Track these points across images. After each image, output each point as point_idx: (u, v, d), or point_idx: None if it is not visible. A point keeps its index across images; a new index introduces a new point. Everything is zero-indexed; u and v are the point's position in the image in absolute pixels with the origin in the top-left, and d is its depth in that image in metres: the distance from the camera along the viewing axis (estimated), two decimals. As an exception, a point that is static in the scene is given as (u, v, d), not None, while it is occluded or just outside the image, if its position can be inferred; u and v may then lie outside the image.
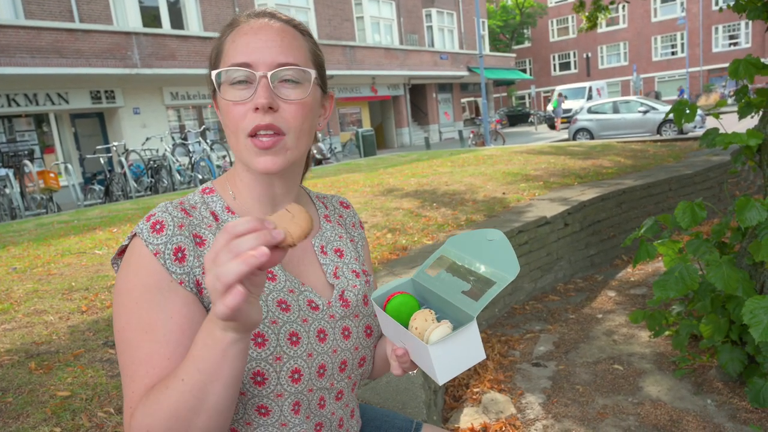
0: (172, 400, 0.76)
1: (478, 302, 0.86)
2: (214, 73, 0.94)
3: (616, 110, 18.77)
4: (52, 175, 11.05)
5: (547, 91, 47.37)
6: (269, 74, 0.91)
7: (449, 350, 0.82)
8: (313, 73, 0.96)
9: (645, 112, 17.97)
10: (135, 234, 0.89)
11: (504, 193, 6.03)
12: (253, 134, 0.92)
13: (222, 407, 0.78)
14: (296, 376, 0.94)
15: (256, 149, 0.92)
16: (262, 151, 0.92)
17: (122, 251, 0.93)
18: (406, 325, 0.89)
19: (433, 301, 0.96)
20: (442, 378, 0.83)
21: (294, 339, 0.94)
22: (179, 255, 0.87)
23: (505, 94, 49.47)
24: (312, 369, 0.96)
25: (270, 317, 0.92)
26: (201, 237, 0.92)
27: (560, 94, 30.15)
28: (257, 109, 0.90)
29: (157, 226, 0.87)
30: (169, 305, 0.85)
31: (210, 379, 0.75)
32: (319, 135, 16.84)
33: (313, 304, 0.99)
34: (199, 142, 12.80)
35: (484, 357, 0.89)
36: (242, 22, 0.96)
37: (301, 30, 0.99)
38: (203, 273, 0.89)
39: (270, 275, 0.96)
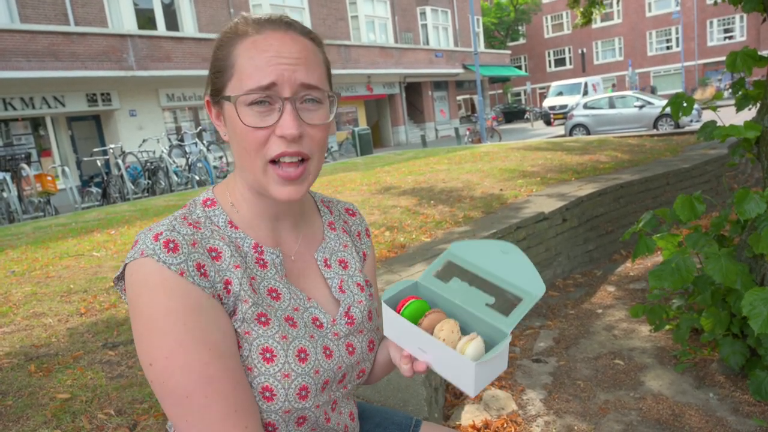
0: None
1: (509, 318, 0.87)
2: (232, 95, 0.86)
3: (612, 105, 18.75)
4: (49, 178, 11.03)
5: (543, 88, 47.41)
6: (294, 98, 0.86)
7: (488, 366, 0.83)
8: (333, 93, 0.93)
9: (641, 107, 17.97)
10: (144, 255, 0.81)
11: (501, 190, 6.03)
12: (276, 160, 0.87)
13: None
14: (304, 393, 0.91)
15: (279, 179, 0.88)
16: (287, 182, 0.88)
17: (123, 273, 0.86)
18: None
19: (444, 307, 0.94)
20: (476, 391, 0.84)
21: (302, 356, 0.91)
22: (201, 271, 0.83)
23: (500, 91, 49.52)
24: (318, 385, 0.93)
25: (280, 332, 0.90)
26: (216, 249, 0.88)
27: (614, 84, 29.91)
28: (283, 135, 0.86)
29: (171, 245, 0.82)
30: (217, 320, 0.83)
31: None
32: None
33: (318, 322, 0.97)
34: (195, 143, 12.78)
35: (506, 367, 0.91)
36: (254, 33, 0.88)
37: (318, 42, 0.94)
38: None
39: (275, 294, 0.93)
